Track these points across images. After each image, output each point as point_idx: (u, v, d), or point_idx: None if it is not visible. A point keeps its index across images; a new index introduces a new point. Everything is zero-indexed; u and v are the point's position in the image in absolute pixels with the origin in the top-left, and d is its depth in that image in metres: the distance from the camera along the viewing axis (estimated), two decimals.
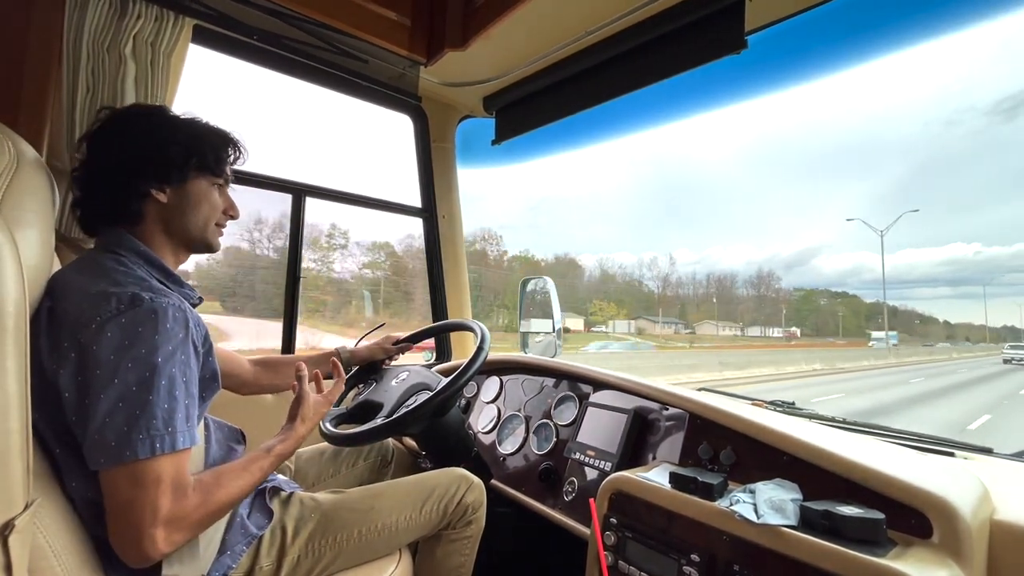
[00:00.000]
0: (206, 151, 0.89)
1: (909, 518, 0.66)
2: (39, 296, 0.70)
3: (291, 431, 0.90)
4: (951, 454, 0.97)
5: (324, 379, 1.01)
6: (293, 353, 1.62)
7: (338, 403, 1.31)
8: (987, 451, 0.99)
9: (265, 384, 1.24)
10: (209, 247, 0.93)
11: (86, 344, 0.65)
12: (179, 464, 0.69)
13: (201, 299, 0.91)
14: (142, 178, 0.83)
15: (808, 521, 0.67)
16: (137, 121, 0.86)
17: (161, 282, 0.80)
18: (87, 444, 0.65)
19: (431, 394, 1.09)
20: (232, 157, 0.95)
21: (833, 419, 1.19)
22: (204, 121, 0.93)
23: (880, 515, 0.64)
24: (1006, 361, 26.92)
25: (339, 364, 1.12)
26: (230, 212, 0.96)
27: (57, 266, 0.81)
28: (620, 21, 1.38)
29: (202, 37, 1.36)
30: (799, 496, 0.74)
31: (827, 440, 0.81)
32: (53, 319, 0.68)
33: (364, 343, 1.43)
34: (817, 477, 0.77)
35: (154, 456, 0.65)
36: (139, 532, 0.65)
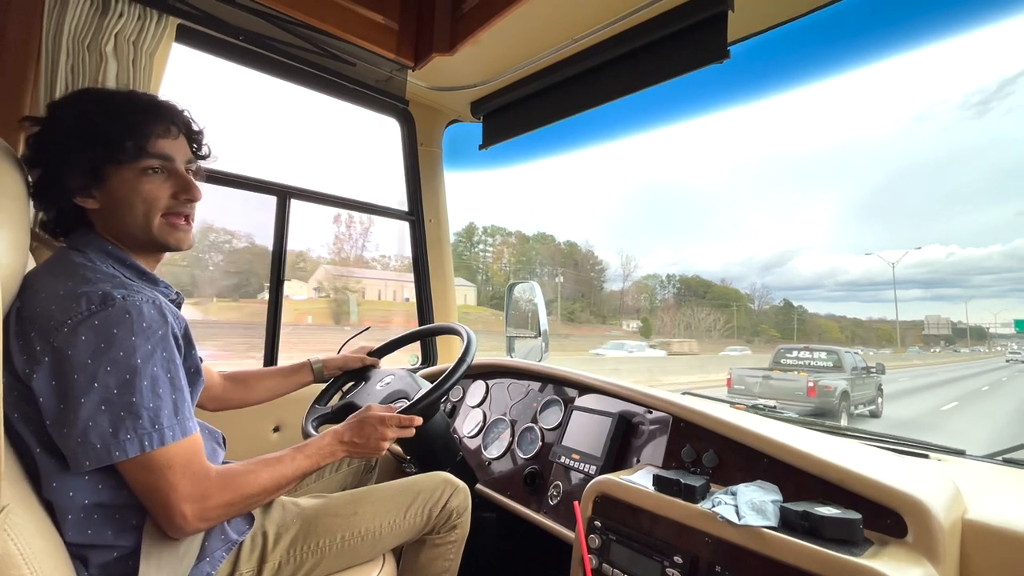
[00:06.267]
0: (110, 135, 0.72)
1: (885, 518, 0.68)
2: (13, 297, 0.68)
3: (326, 447, 0.88)
4: (925, 456, 0.99)
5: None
6: (276, 364, 1.57)
7: (324, 402, 1.29)
8: (960, 453, 1.02)
9: (234, 400, 1.17)
10: (163, 246, 0.80)
11: (60, 347, 0.63)
12: (188, 451, 0.70)
13: (181, 296, 0.87)
14: (60, 189, 0.73)
15: (788, 522, 0.69)
16: (48, 123, 0.75)
17: (132, 280, 0.76)
18: (69, 448, 0.64)
19: (407, 404, 1.08)
20: (162, 127, 0.77)
21: (812, 422, 1.21)
22: (108, 93, 0.80)
23: (857, 515, 0.66)
24: (1008, 361, 36.20)
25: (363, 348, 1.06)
26: (183, 196, 0.78)
27: (32, 266, 0.79)
28: (606, 29, 1.40)
29: (186, 37, 1.35)
30: (779, 497, 0.75)
31: (806, 442, 0.82)
32: (22, 320, 0.66)
33: (345, 349, 1.40)
34: (797, 479, 0.78)
35: (145, 452, 0.65)
36: (168, 510, 0.68)
